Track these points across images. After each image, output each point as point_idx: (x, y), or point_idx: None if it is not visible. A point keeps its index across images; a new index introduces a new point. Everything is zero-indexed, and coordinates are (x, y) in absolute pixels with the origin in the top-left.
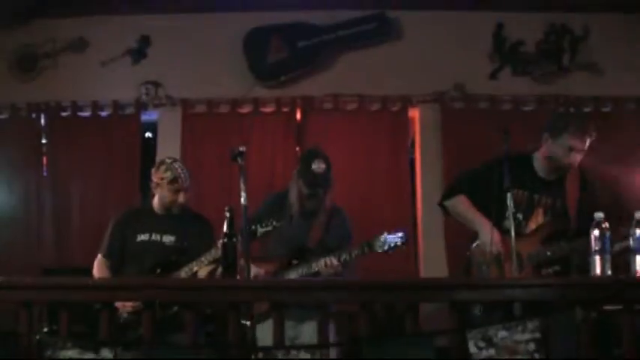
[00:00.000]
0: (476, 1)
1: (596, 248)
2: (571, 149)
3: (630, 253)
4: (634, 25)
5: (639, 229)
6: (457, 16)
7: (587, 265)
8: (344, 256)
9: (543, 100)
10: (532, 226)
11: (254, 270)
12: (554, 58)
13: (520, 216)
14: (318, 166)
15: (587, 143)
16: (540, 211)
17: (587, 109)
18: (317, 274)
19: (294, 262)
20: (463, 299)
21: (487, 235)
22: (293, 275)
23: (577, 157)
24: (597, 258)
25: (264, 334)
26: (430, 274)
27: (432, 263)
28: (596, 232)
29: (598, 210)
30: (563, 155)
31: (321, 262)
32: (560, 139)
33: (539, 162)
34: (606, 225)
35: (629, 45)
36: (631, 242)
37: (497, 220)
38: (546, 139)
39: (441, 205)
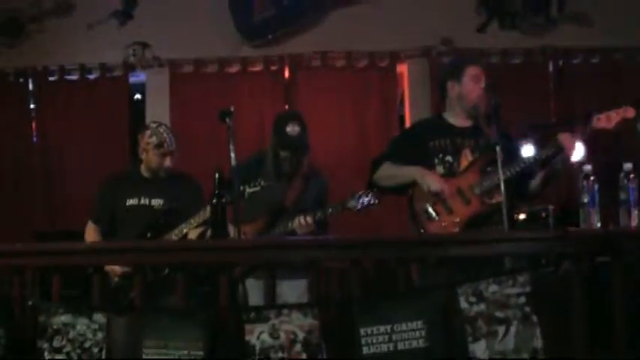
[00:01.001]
0: None
1: (584, 200)
2: (477, 79)
3: (620, 205)
4: None
5: (628, 181)
6: None
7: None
8: (319, 214)
9: (531, 52)
10: (464, 163)
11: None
12: (541, 10)
13: (449, 158)
14: (292, 128)
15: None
16: (467, 150)
17: (575, 61)
18: (293, 232)
19: (271, 222)
20: (453, 255)
21: (425, 175)
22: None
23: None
24: (586, 210)
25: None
26: None
27: None
28: (584, 184)
29: (514, 145)
30: (473, 88)
31: (297, 220)
32: (464, 77)
33: (450, 114)
34: (593, 177)
35: None
36: (621, 195)
37: (429, 169)
38: (452, 86)
39: (370, 184)
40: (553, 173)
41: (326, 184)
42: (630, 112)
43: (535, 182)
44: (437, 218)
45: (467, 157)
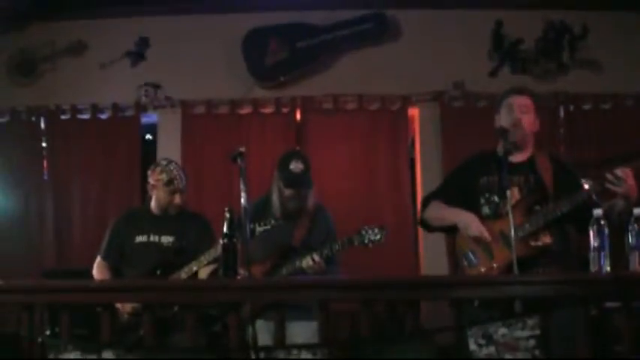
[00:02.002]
0: None
1: (595, 245)
2: (512, 108)
3: (630, 250)
4: (632, 23)
5: (638, 226)
6: (456, 14)
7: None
8: (325, 252)
9: (542, 98)
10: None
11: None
12: (553, 56)
13: (495, 198)
14: (295, 166)
15: (530, 101)
16: (515, 189)
17: (586, 107)
18: (301, 271)
19: (279, 262)
20: (463, 297)
21: (465, 219)
22: (278, 275)
23: (523, 117)
24: (595, 255)
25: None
26: (431, 272)
27: (433, 262)
28: (594, 229)
29: (577, 180)
30: (508, 118)
31: (306, 259)
32: (502, 107)
33: (501, 149)
34: (604, 222)
35: (628, 42)
36: (630, 239)
37: (474, 208)
38: (497, 119)
39: (421, 222)
40: (615, 208)
41: (331, 219)
42: None
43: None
44: (477, 264)
45: (514, 197)
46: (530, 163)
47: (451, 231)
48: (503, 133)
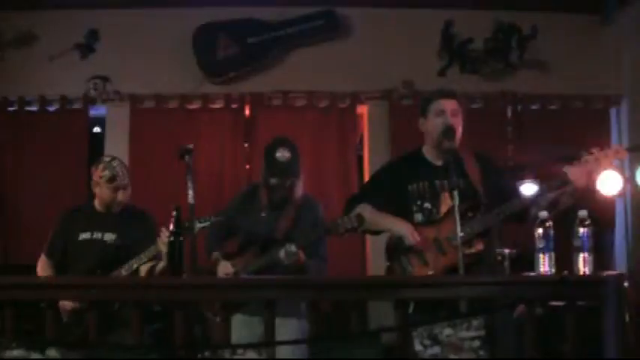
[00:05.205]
0: None
1: (540, 246)
2: (440, 113)
3: (575, 251)
4: (581, 24)
5: (582, 228)
6: (406, 13)
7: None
8: (301, 242)
9: (491, 97)
10: (443, 210)
11: (223, 266)
12: (502, 56)
13: (428, 205)
14: (282, 154)
15: (456, 105)
16: (446, 195)
17: (534, 107)
18: (279, 263)
19: (260, 254)
20: (408, 297)
21: (400, 228)
22: (254, 267)
23: (452, 120)
24: (541, 256)
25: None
26: (377, 270)
27: (379, 259)
28: (540, 231)
29: (506, 181)
30: (436, 123)
31: (282, 251)
32: (429, 113)
33: (427, 151)
34: (550, 224)
35: (577, 43)
36: (575, 241)
37: (406, 215)
38: (422, 124)
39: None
40: (562, 206)
41: (321, 210)
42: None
43: (536, 211)
44: (411, 270)
45: (446, 203)
46: (457, 166)
47: (374, 234)
48: (446, 133)
